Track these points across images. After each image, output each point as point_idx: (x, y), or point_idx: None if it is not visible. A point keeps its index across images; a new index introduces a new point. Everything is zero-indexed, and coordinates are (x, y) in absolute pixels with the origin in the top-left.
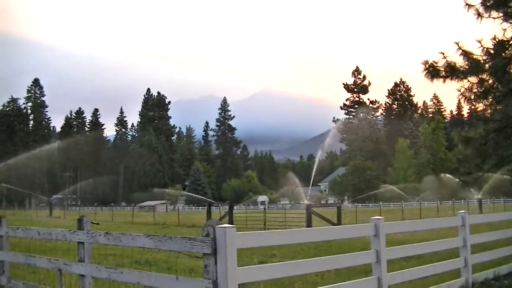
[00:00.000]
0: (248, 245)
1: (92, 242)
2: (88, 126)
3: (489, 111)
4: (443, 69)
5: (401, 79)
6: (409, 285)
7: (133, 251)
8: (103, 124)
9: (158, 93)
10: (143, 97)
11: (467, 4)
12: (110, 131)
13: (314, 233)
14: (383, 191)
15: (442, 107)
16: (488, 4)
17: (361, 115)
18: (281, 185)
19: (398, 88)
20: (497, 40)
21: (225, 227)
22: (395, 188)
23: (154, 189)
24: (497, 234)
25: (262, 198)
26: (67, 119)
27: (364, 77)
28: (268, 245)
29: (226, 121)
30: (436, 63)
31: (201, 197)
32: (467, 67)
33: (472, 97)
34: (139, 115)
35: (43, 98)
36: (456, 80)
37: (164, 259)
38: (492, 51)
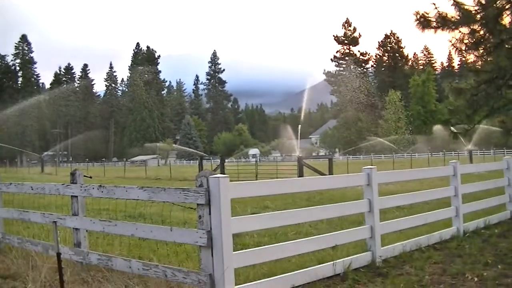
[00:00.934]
0: (241, 195)
1: (86, 195)
2: (78, 82)
3: (480, 62)
4: (434, 20)
5: (391, 31)
6: (401, 234)
7: (127, 205)
8: (92, 80)
9: (148, 47)
10: (133, 52)
11: None
12: (100, 86)
13: (307, 182)
14: (373, 143)
15: (433, 59)
16: None
17: (352, 67)
18: (272, 138)
19: (389, 40)
20: None
21: (218, 177)
22: (383, 140)
23: (145, 144)
24: (488, 184)
25: (253, 151)
26: (56, 75)
27: (355, 29)
28: (261, 194)
29: (217, 74)
30: (427, 14)
31: (192, 150)
32: (459, 17)
33: (463, 48)
34: (129, 69)
35: (31, 55)
36: (448, 30)
37: (158, 213)
38: (483, 2)
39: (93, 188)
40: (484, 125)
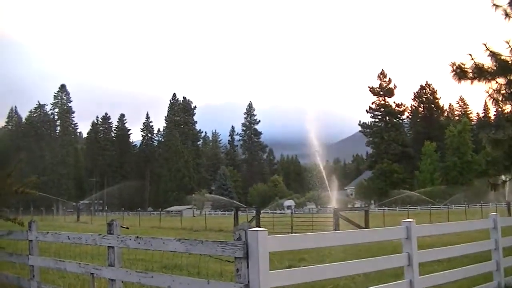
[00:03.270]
0: (279, 248)
1: (122, 246)
2: (115, 131)
3: None
4: (470, 71)
5: (426, 82)
6: None
7: (162, 256)
8: (129, 129)
9: (184, 98)
10: (169, 102)
11: (494, 4)
12: (136, 136)
13: (346, 236)
14: (410, 195)
15: (468, 109)
16: None
17: (387, 118)
18: (307, 189)
19: (424, 90)
20: None
21: (257, 230)
22: (416, 194)
23: (180, 195)
24: None
25: (288, 202)
26: (94, 124)
27: (390, 80)
28: (300, 248)
29: (252, 125)
30: (464, 65)
31: (229, 199)
32: (495, 68)
33: (500, 98)
34: (165, 120)
35: (69, 104)
36: (484, 81)
37: (193, 264)
38: None
39: (130, 239)
40: None
